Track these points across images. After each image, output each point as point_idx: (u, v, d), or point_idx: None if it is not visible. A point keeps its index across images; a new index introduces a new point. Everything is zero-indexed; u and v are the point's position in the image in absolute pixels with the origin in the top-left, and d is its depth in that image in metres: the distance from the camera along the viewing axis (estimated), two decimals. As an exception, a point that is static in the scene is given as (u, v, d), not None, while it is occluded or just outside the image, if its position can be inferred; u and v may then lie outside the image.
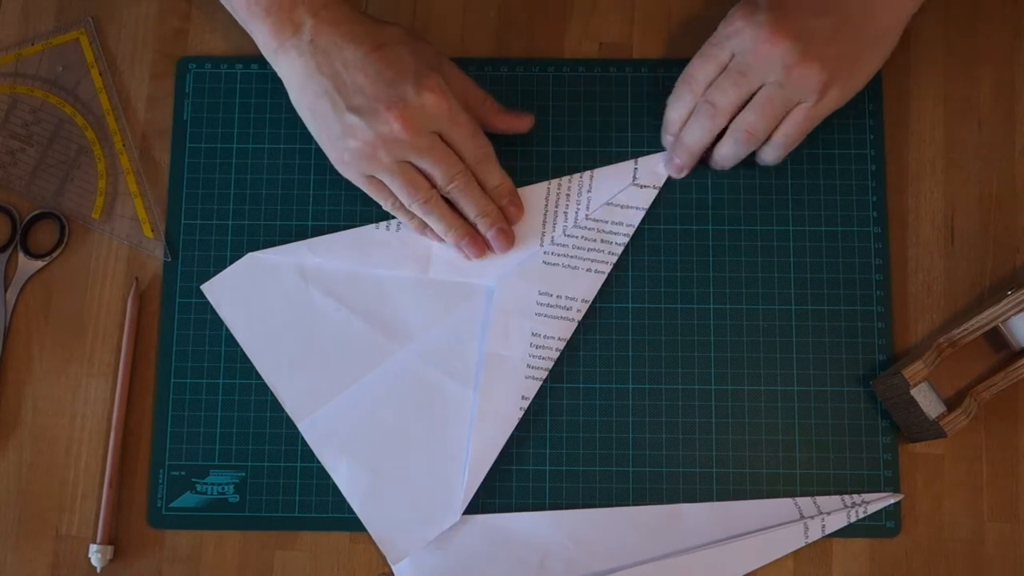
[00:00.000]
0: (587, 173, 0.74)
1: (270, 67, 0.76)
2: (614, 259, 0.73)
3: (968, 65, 0.76)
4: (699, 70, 0.69)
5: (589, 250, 0.73)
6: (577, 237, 0.73)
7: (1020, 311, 0.68)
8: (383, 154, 0.67)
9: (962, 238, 0.74)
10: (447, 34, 0.77)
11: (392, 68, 0.67)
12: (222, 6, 0.78)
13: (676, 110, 0.71)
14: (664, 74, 0.76)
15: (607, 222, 0.73)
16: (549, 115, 0.75)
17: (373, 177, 0.69)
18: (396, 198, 0.70)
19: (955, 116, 0.76)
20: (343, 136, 0.67)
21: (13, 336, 0.74)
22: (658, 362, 0.72)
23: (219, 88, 0.76)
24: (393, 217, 0.73)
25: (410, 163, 0.68)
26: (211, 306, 0.73)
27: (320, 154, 0.75)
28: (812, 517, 0.69)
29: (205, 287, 0.73)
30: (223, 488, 0.71)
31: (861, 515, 0.70)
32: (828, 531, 0.69)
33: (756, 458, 0.71)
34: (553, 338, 0.71)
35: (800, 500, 0.70)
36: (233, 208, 0.75)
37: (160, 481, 0.72)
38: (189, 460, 0.72)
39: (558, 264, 0.73)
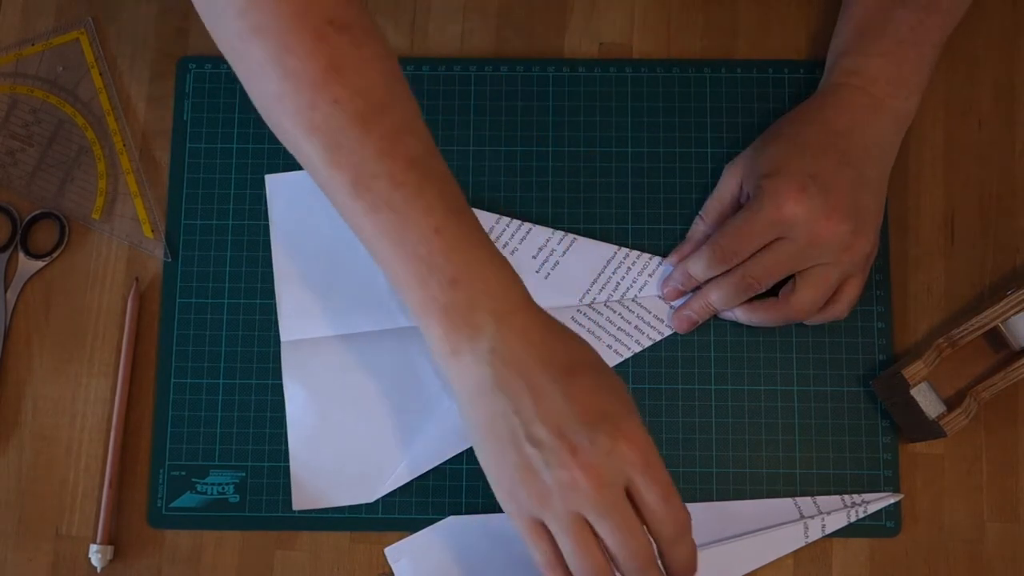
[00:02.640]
0: (657, 258, 0.73)
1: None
2: (638, 349, 0.72)
3: (968, 65, 0.76)
4: (738, 246, 0.67)
5: (619, 329, 0.72)
6: (615, 312, 0.72)
7: (1020, 311, 0.68)
8: (557, 502, 0.56)
9: (962, 238, 0.74)
10: (447, 34, 0.77)
11: (583, 401, 0.57)
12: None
13: (703, 270, 0.70)
14: (664, 74, 0.76)
15: (650, 313, 0.72)
16: (549, 115, 0.75)
17: (539, 521, 0.58)
18: (553, 555, 0.58)
19: (955, 116, 0.76)
20: (518, 469, 0.57)
21: (13, 336, 0.74)
22: (658, 362, 0.72)
23: (219, 88, 0.76)
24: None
25: (586, 521, 0.57)
26: (211, 305, 0.73)
27: (320, 154, 0.75)
28: (812, 517, 0.69)
29: (269, 178, 0.74)
30: (223, 488, 0.71)
31: (861, 515, 0.70)
32: (828, 531, 0.69)
33: (756, 458, 0.71)
34: None
35: (800, 500, 0.70)
36: (233, 208, 0.75)
37: (160, 481, 0.72)
38: (189, 460, 0.72)
39: (584, 327, 0.72)
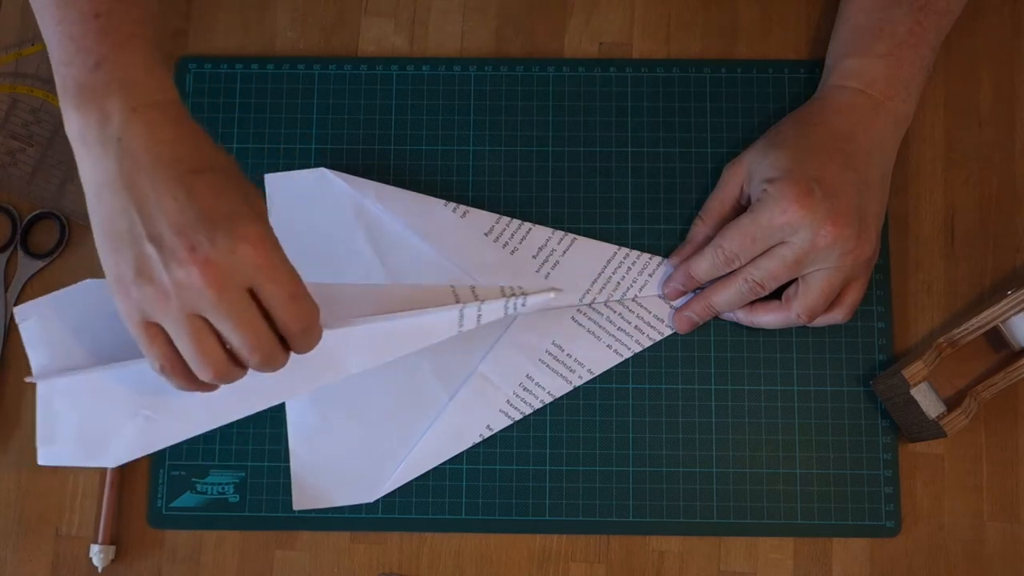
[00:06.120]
0: (657, 258, 0.73)
1: (270, 67, 0.76)
2: (638, 349, 0.72)
3: (968, 65, 0.76)
4: (741, 249, 0.67)
5: (619, 329, 0.72)
6: (615, 312, 0.72)
7: (1020, 311, 0.68)
8: (174, 302, 0.54)
9: (962, 238, 0.74)
10: (447, 34, 0.77)
11: (207, 200, 0.55)
12: (222, 6, 0.78)
13: (705, 272, 0.70)
14: (664, 74, 0.76)
15: (650, 312, 0.73)
16: (549, 115, 0.75)
17: (154, 324, 0.56)
18: (169, 358, 0.57)
19: (955, 116, 0.76)
20: (136, 269, 0.55)
21: (13, 336, 0.74)
22: (658, 362, 0.72)
23: (219, 88, 0.76)
24: (462, 201, 0.73)
25: (204, 319, 0.55)
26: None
27: (320, 154, 0.75)
28: (468, 304, 0.67)
29: (268, 177, 0.73)
30: (223, 488, 0.71)
31: (520, 307, 0.68)
32: (484, 320, 0.67)
33: (756, 458, 0.71)
34: (544, 389, 0.71)
35: (459, 288, 0.69)
36: (233, 208, 0.74)
37: (160, 481, 0.72)
38: (189, 460, 0.72)
39: (584, 326, 0.72)
